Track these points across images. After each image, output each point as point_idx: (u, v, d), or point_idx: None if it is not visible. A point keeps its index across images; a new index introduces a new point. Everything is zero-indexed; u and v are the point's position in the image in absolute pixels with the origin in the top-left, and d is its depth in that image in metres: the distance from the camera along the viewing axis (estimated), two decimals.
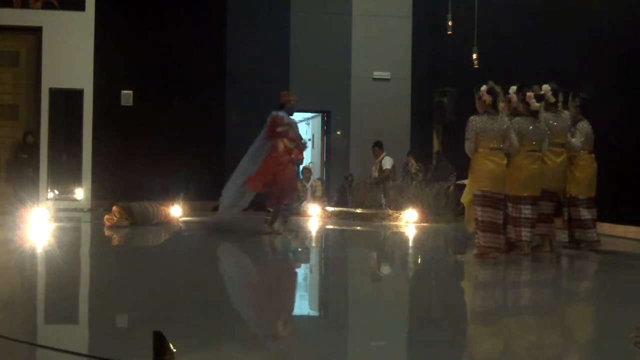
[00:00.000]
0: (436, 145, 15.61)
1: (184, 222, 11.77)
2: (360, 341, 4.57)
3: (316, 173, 16.02)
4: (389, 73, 15.78)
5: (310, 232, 11.58)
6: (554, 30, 11.87)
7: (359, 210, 13.18)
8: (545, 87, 8.34)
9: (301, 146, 10.36)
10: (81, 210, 13.97)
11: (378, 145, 14.54)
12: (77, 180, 14.30)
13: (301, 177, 15.12)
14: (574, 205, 8.47)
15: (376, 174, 14.40)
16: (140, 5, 14.74)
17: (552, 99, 8.33)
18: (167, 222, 11.26)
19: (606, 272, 7.96)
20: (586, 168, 8.51)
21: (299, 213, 13.68)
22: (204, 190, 14.38)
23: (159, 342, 3.37)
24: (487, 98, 7.70)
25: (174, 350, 3.37)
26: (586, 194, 8.47)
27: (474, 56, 12.35)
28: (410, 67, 15.88)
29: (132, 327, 4.75)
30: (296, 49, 15.46)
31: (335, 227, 11.85)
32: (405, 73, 15.85)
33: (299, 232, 11.26)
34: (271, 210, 10.25)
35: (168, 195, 12.38)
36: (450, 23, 12.69)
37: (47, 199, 13.93)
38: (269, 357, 3.97)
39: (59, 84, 14.16)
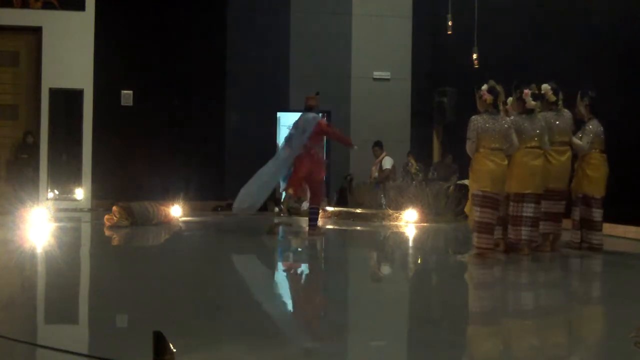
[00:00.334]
0: (436, 145, 15.62)
1: (184, 222, 11.77)
2: (360, 341, 4.57)
3: None
4: (389, 73, 15.78)
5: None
6: (554, 30, 11.88)
7: (359, 210, 13.18)
8: (545, 87, 8.34)
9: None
10: (81, 210, 13.97)
11: (378, 145, 14.54)
12: (77, 180, 14.30)
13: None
14: (588, 205, 8.43)
15: (376, 174, 14.40)
16: (140, 5, 14.75)
17: (553, 98, 8.33)
18: (167, 222, 11.26)
19: (606, 272, 7.97)
20: (599, 167, 8.45)
21: (299, 213, 13.68)
22: (204, 190, 14.40)
23: (159, 342, 3.37)
24: (488, 97, 7.70)
25: (174, 350, 3.37)
26: (601, 194, 8.43)
27: (474, 56, 12.35)
28: (410, 67, 15.87)
29: (132, 327, 4.75)
30: (296, 49, 15.46)
31: (335, 227, 11.85)
32: (405, 73, 15.84)
33: (299, 232, 11.26)
34: (314, 209, 10.25)
35: (168, 195, 12.38)
36: (450, 23, 12.68)
37: (47, 199, 13.93)
38: (269, 357, 3.97)
39: (59, 84, 14.17)
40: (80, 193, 14.27)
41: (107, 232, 10.25)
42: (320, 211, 10.55)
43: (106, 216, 10.74)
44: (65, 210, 13.48)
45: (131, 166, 14.33)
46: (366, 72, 15.68)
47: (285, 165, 10.24)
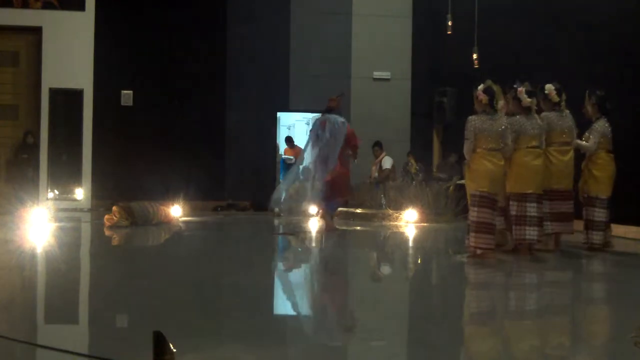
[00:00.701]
0: (436, 145, 15.61)
1: (184, 222, 11.77)
2: (360, 341, 4.57)
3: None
4: (389, 73, 15.77)
5: (310, 232, 11.57)
6: (554, 30, 11.88)
7: (359, 210, 13.18)
8: (549, 87, 8.32)
9: None
10: (81, 210, 13.97)
11: (378, 145, 14.54)
12: (77, 180, 14.30)
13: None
14: (592, 205, 8.41)
15: (376, 174, 14.40)
16: (140, 6, 14.75)
17: (556, 99, 8.32)
18: (167, 222, 11.26)
19: (606, 272, 7.97)
20: (605, 167, 8.42)
21: (299, 213, 13.67)
22: (204, 190, 14.40)
23: (159, 342, 3.37)
24: (483, 97, 7.70)
25: (174, 350, 3.37)
26: (607, 194, 8.41)
27: (474, 56, 12.35)
28: (410, 67, 15.87)
29: (132, 327, 4.75)
30: (296, 49, 15.45)
31: (335, 227, 11.83)
32: (405, 73, 15.84)
33: (299, 232, 11.26)
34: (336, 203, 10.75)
35: (168, 195, 12.38)
36: (450, 23, 12.68)
37: (47, 199, 13.93)
38: (269, 357, 3.97)
39: (59, 84, 14.17)
40: (80, 193, 14.27)
41: (107, 232, 10.25)
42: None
43: (106, 216, 10.74)
44: (65, 210, 13.47)
45: (131, 166, 14.33)
46: (366, 72, 15.68)
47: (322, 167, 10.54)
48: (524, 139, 7.94)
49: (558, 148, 8.25)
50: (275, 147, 16.38)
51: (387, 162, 14.34)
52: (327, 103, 10.85)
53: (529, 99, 8.00)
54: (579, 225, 8.71)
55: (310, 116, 17.92)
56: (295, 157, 16.39)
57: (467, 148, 7.72)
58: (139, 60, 14.64)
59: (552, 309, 5.78)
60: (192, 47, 14.85)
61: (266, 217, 13.78)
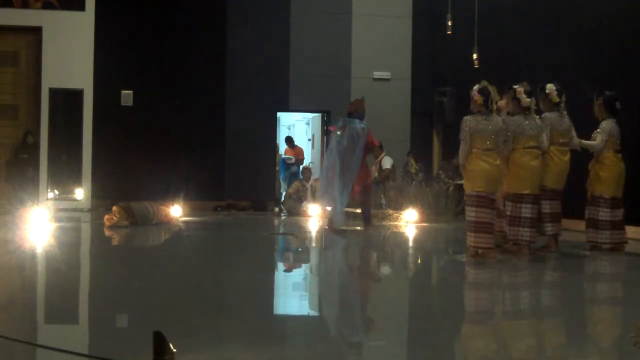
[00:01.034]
0: (436, 145, 15.61)
1: (184, 222, 11.77)
2: (360, 341, 4.57)
3: (316, 173, 16.02)
4: (389, 73, 15.78)
5: (310, 232, 11.58)
6: (554, 30, 11.88)
7: (359, 210, 13.16)
8: (550, 87, 8.32)
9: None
10: (81, 210, 13.97)
11: (378, 145, 14.52)
12: (77, 180, 14.30)
13: (301, 177, 15.13)
14: (596, 205, 8.39)
15: (376, 174, 14.39)
16: (140, 6, 14.75)
17: (556, 99, 8.31)
18: (167, 222, 11.26)
19: (607, 272, 7.97)
20: (611, 167, 8.38)
21: (299, 213, 13.69)
22: (204, 190, 14.40)
23: (159, 342, 3.37)
24: (478, 98, 7.71)
25: (174, 350, 3.37)
26: (611, 194, 8.37)
27: (474, 56, 12.35)
28: (410, 67, 15.87)
29: (132, 327, 4.75)
30: (296, 49, 15.45)
31: (335, 227, 11.82)
32: (405, 73, 15.84)
33: (299, 232, 11.27)
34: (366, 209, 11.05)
35: (168, 195, 12.38)
36: (450, 23, 12.68)
37: (47, 199, 13.93)
38: (269, 357, 3.97)
39: (59, 84, 14.17)
40: (80, 193, 14.27)
41: (107, 232, 10.25)
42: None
43: (106, 216, 10.74)
44: (65, 210, 13.47)
45: (131, 166, 14.34)
46: (366, 72, 15.68)
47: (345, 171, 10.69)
48: (521, 139, 7.95)
49: (558, 148, 8.26)
50: (275, 147, 16.39)
51: (387, 162, 14.33)
52: (348, 108, 11.12)
53: (528, 99, 8.00)
54: (580, 225, 8.71)
55: (311, 116, 17.97)
56: (296, 157, 16.44)
57: (462, 149, 7.74)
58: (139, 60, 14.64)
59: (552, 309, 5.78)
60: (192, 47, 14.85)
61: (266, 217, 13.78)
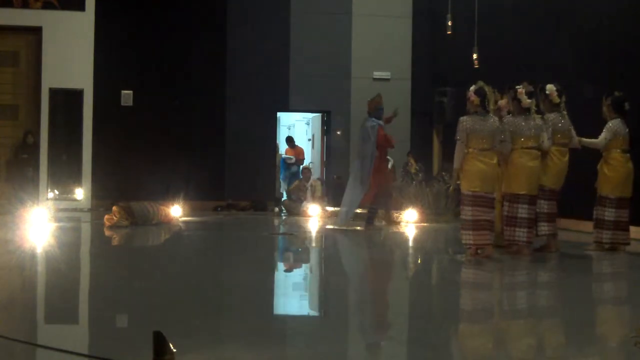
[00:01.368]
0: (436, 145, 15.61)
1: (184, 222, 11.77)
2: (360, 341, 4.57)
3: (316, 173, 16.04)
4: (389, 73, 15.77)
5: (310, 232, 11.58)
6: (554, 30, 11.87)
7: (359, 210, 13.16)
8: (550, 87, 8.32)
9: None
10: (81, 210, 13.96)
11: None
12: (77, 180, 14.29)
13: (301, 177, 15.13)
14: (602, 204, 8.37)
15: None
16: (140, 6, 14.74)
17: (557, 100, 8.31)
18: (167, 222, 11.26)
19: (608, 272, 7.96)
20: (618, 167, 8.36)
21: (299, 213, 13.69)
22: (204, 190, 14.40)
23: (159, 342, 3.37)
24: (475, 98, 7.75)
25: (174, 350, 3.37)
26: (617, 194, 8.36)
27: (474, 56, 12.34)
28: (410, 67, 15.86)
29: (132, 327, 4.75)
30: (296, 49, 15.45)
31: (335, 227, 11.83)
32: (405, 73, 15.83)
33: (299, 232, 11.27)
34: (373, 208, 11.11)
35: (168, 195, 12.38)
36: (450, 23, 12.67)
37: (47, 199, 13.93)
38: (269, 357, 3.97)
39: (59, 84, 14.16)
40: (80, 193, 14.26)
41: (107, 232, 10.25)
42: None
43: (106, 216, 10.74)
44: (65, 210, 13.47)
45: (131, 166, 14.33)
46: (366, 72, 15.67)
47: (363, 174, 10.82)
48: (519, 140, 7.95)
49: (558, 148, 8.26)
50: (275, 147, 16.39)
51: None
52: (368, 107, 11.15)
53: (528, 100, 8.00)
54: (585, 226, 8.70)
55: (311, 116, 17.97)
56: (296, 157, 16.43)
57: (458, 149, 7.78)
58: (139, 60, 14.63)
59: (552, 309, 5.78)
60: (192, 47, 14.85)
61: (266, 217, 13.78)
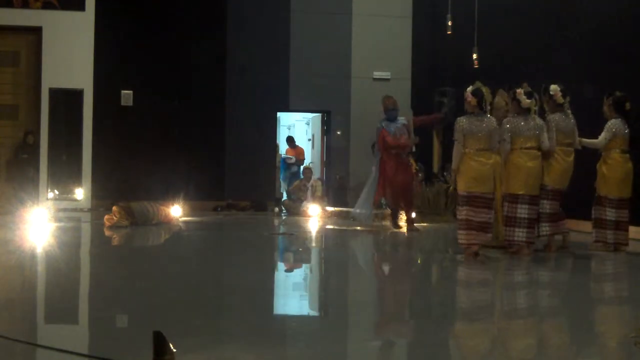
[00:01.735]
0: (436, 145, 15.61)
1: (184, 222, 11.77)
2: (360, 341, 4.57)
3: (316, 173, 16.04)
4: (389, 73, 15.77)
5: (310, 232, 11.58)
6: (554, 30, 11.87)
7: (359, 210, 13.15)
8: (554, 88, 8.31)
9: (402, 145, 10.89)
10: (81, 210, 13.97)
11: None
12: (77, 180, 14.29)
13: (301, 176, 15.13)
14: (601, 204, 8.38)
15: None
16: (140, 5, 14.74)
17: (561, 100, 8.29)
18: (167, 222, 11.26)
19: (608, 272, 7.96)
20: (616, 167, 8.36)
21: (299, 213, 13.69)
22: (204, 190, 14.40)
23: (159, 342, 3.37)
24: (472, 99, 7.77)
25: (174, 350, 3.37)
26: (616, 194, 8.36)
27: (474, 56, 12.35)
28: (410, 67, 15.86)
29: (132, 327, 4.75)
30: (296, 49, 15.45)
31: (335, 227, 11.85)
32: (405, 73, 15.83)
33: (299, 232, 11.27)
34: (392, 208, 11.13)
35: (168, 195, 12.38)
36: (450, 23, 12.68)
37: (47, 199, 13.93)
38: (269, 357, 3.97)
39: (59, 84, 14.16)
40: (80, 193, 14.26)
41: (107, 232, 10.25)
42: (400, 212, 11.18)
43: (106, 216, 10.74)
44: (65, 210, 13.47)
45: (131, 166, 14.33)
46: (366, 72, 15.68)
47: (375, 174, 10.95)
48: (518, 140, 7.95)
49: (563, 149, 8.25)
50: (275, 147, 16.39)
51: None
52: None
53: (527, 100, 8.00)
54: (585, 226, 8.69)
55: (311, 116, 17.97)
56: (296, 157, 16.44)
57: (455, 150, 7.81)
58: (139, 60, 14.63)
59: (551, 309, 5.78)
60: (192, 47, 14.84)
61: (266, 217, 13.79)
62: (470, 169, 7.73)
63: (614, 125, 8.35)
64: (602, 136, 8.36)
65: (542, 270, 7.65)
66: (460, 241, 7.80)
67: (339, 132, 15.95)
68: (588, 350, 4.39)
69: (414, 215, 11.02)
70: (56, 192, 14.28)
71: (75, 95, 14.24)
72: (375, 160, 11.00)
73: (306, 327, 5.03)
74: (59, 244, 8.90)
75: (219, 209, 14.41)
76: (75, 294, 6.04)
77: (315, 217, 13.24)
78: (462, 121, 7.82)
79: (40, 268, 7.28)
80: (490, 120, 7.86)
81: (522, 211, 7.89)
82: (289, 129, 19.24)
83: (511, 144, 7.96)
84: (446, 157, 14.82)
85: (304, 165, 16.01)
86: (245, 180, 15.05)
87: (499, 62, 12.35)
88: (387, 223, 11.45)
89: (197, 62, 14.89)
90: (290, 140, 16.88)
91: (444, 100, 14.77)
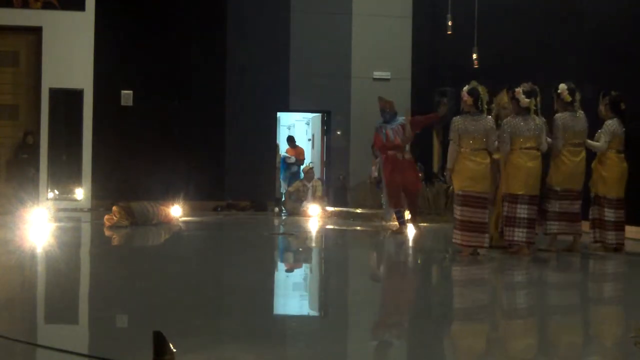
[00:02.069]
0: (436, 145, 15.62)
1: (184, 222, 11.77)
2: (360, 341, 4.57)
3: (316, 173, 16.04)
4: (389, 73, 15.78)
5: (310, 232, 11.58)
6: (555, 30, 11.87)
7: (359, 210, 13.18)
8: (562, 86, 8.29)
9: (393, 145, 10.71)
10: (81, 210, 13.97)
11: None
12: (77, 180, 14.29)
13: (301, 176, 15.13)
14: (600, 205, 8.37)
15: (376, 174, 14.38)
16: (140, 5, 14.74)
17: (568, 98, 8.25)
18: (167, 222, 11.26)
19: (608, 272, 7.96)
20: (613, 167, 8.36)
21: (300, 213, 13.69)
22: (204, 190, 14.40)
23: (159, 342, 3.37)
24: (468, 98, 7.80)
25: (174, 350, 3.37)
26: (615, 194, 8.36)
27: (474, 56, 12.35)
28: (410, 67, 15.87)
29: (132, 327, 4.75)
30: (296, 49, 15.45)
31: (335, 227, 11.85)
32: (405, 73, 15.84)
33: (299, 232, 11.26)
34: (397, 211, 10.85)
35: (168, 195, 12.38)
36: (450, 23, 12.68)
37: (47, 199, 13.93)
38: (269, 357, 3.97)
39: (59, 84, 14.16)
40: (80, 193, 14.26)
41: (107, 232, 10.25)
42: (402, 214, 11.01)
43: (106, 216, 10.74)
44: (65, 210, 13.47)
45: (131, 166, 14.33)
46: (366, 72, 15.68)
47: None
48: (518, 140, 7.94)
49: (570, 149, 8.22)
50: (275, 147, 16.39)
51: None
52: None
53: (527, 100, 7.99)
54: (584, 226, 8.69)
55: (311, 116, 17.97)
56: (297, 157, 16.44)
57: (451, 149, 7.84)
58: (139, 60, 14.63)
59: (551, 309, 5.78)
60: (192, 47, 14.85)
61: (266, 217, 13.79)
62: (466, 168, 7.76)
63: (612, 126, 8.35)
64: (603, 139, 8.35)
65: (541, 270, 7.64)
66: (454, 240, 7.84)
67: (339, 132, 15.96)
68: (588, 350, 4.39)
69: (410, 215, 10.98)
70: (56, 192, 14.28)
71: (75, 95, 14.24)
72: (377, 161, 11.00)
73: (306, 327, 5.03)
74: (59, 244, 8.90)
75: (219, 209, 14.42)
76: (75, 294, 6.04)
77: (315, 217, 13.24)
78: (457, 121, 7.86)
79: (40, 268, 7.28)
80: (486, 120, 7.87)
81: (522, 211, 7.88)
82: (289, 129, 19.24)
83: (511, 144, 7.95)
84: (446, 157, 14.81)
85: (305, 165, 16.01)
86: (245, 180, 15.05)
87: (499, 62, 12.35)
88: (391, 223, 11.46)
89: (197, 62, 14.89)
90: (290, 140, 16.89)
91: (443, 100, 14.77)
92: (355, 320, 5.18)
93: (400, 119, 10.78)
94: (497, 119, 8.33)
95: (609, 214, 8.33)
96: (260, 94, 15.25)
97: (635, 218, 9.71)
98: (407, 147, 10.72)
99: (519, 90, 7.99)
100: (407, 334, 4.86)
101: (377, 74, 15.74)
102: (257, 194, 15.06)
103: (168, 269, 7.26)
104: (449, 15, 12.71)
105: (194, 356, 3.79)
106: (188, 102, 14.82)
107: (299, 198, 14.26)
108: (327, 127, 16.34)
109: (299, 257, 9.02)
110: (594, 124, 8.55)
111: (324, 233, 11.30)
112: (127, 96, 14.75)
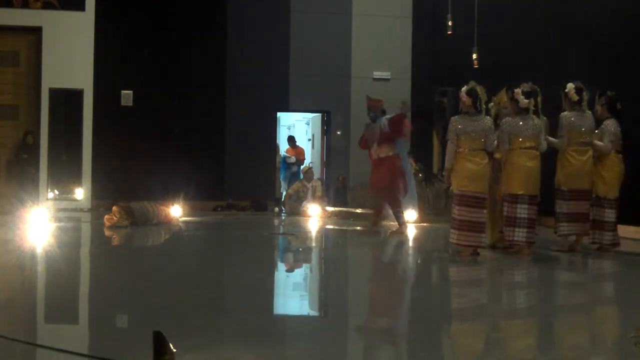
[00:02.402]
0: (436, 145, 15.61)
1: (184, 222, 11.77)
2: (360, 341, 4.57)
3: (316, 173, 16.04)
4: (389, 73, 15.78)
5: (310, 232, 11.58)
6: (554, 30, 11.88)
7: (359, 210, 13.18)
8: (569, 86, 8.29)
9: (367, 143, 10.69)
10: (81, 210, 13.97)
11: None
12: (77, 180, 14.30)
13: (301, 177, 15.13)
14: (600, 205, 8.37)
15: None
16: (140, 6, 14.74)
17: (575, 98, 8.25)
18: (167, 222, 11.26)
19: (608, 272, 7.96)
20: (613, 167, 8.37)
21: (300, 213, 13.69)
22: (204, 190, 14.40)
23: (159, 342, 3.37)
24: (466, 99, 7.81)
25: (174, 350, 3.37)
26: (614, 194, 8.37)
27: (474, 56, 12.35)
28: (410, 67, 15.87)
29: (132, 327, 4.75)
30: (296, 49, 15.46)
31: (335, 227, 11.85)
32: (405, 73, 15.84)
33: (299, 232, 11.26)
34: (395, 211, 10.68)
35: (168, 195, 12.38)
36: (450, 23, 12.69)
37: (47, 199, 13.93)
38: (269, 357, 3.97)
39: (59, 84, 14.17)
40: (80, 193, 14.27)
41: (107, 232, 10.25)
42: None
43: (106, 216, 10.73)
44: (65, 210, 13.47)
45: (131, 166, 14.33)
46: (366, 72, 15.68)
47: None
48: (517, 140, 7.95)
49: (576, 148, 8.22)
50: (275, 147, 16.39)
51: None
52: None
53: (526, 100, 7.99)
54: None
55: (311, 116, 17.97)
56: (297, 157, 16.44)
57: (449, 149, 7.85)
58: (139, 60, 14.63)
59: (550, 309, 5.78)
60: (192, 47, 14.85)
61: (266, 217, 13.79)
62: (464, 168, 7.76)
63: (612, 127, 8.36)
64: (606, 140, 8.34)
65: (541, 270, 7.64)
66: (451, 239, 7.85)
67: (339, 132, 15.95)
68: (588, 350, 4.39)
69: (402, 214, 10.85)
70: (56, 192, 14.29)
71: (75, 95, 14.24)
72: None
73: (306, 327, 5.03)
74: (59, 244, 8.90)
75: (219, 209, 14.42)
76: (75, 294, 6.04)
77: (315, 217, 13.24)
78: (455, 121, 7.87)
79: (40, 268, 7.28)
80: (485, 120, 7.88)
81: (522, 211, 7.88)
82: (289, 129, 19.24)
83: (510, 143, 7.95)
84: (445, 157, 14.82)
85: (305, 166, 16.01)
86: (245, 181, 15.05)
87: (499, 62, 12.35)
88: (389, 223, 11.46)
89: (197, 62, 14.89)
90: (291, 139, 16.89)
91: (444, 100, 14.77)
92: (355, 320, 5.18)
93: (383, 118, 10.67)
94: (497, 118, 8.34)
95: (610, 215, 8.33)
96: (260, 94, 15.25)
97: (635, 218, 9.73)
98: (400, 146, 10.64)
99: (518, 91, 8.00)
100: (407, 334, 4.86)
101: (377, 74, 15.74)
102: (257, 194, 15.06)
103: (168, 269, 7.26)
104: (449, 15, 12.72)
105: (194, 356, 3.79)
106: (188, 102, 14.83)
107: (299, 198, 14.27)
108: (327, 127, 16.34)
109: (299, 257, 9.02)
110: (597, 124, 8.55)
111: (324, 233, 11.30)
112: (127, 96, 14.75)
